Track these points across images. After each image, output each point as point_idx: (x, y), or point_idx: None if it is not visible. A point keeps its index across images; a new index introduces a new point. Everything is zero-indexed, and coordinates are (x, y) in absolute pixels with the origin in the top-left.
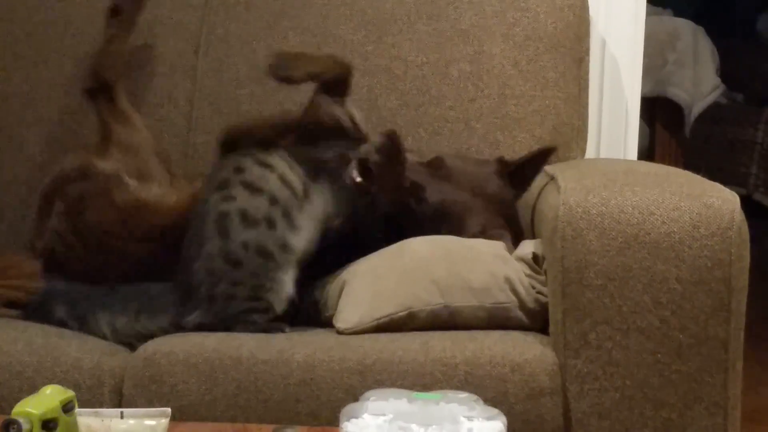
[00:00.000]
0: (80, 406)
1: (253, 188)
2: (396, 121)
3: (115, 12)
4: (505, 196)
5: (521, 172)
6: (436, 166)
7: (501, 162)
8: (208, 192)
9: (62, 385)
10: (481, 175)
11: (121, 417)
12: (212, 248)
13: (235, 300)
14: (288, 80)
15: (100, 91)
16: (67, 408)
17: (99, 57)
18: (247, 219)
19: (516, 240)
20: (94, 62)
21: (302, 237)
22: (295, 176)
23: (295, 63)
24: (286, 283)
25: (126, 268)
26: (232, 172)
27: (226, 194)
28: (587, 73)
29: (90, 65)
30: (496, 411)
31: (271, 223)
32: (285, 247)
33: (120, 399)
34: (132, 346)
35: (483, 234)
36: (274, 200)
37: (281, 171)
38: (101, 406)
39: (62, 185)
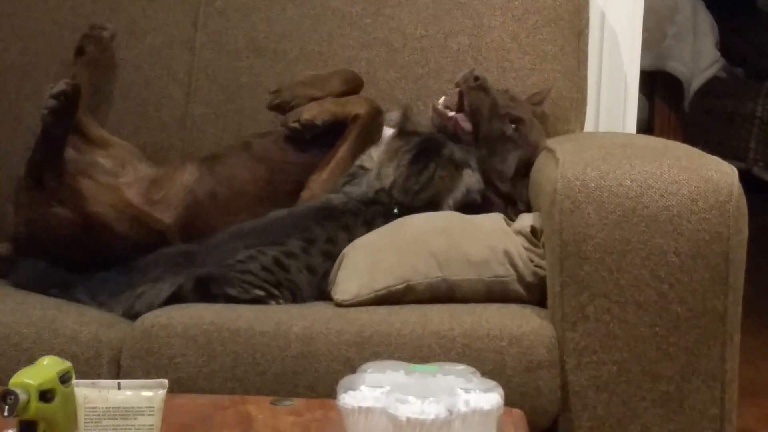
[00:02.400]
0: (78, 378)
1: (330, 256)
2: (395, 93)
3: (79, 52)
4: None
5: None
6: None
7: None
8: (290, 230)
9: (60, 356)
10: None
11: (119, 388)
12: (268, 251)
13: (251, 276)
14: (279, 108)
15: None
16: (64, 379)
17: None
18: (311, 269)
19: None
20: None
21: None
22: None
23: (290, 91)
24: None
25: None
26: (324, 239)
27: (306, 248)
28: (586, 46)
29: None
30: (493, 383)
31: (325, 275)
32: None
33: (118, 371)
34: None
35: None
36: None
37: None
38: (99, 378)
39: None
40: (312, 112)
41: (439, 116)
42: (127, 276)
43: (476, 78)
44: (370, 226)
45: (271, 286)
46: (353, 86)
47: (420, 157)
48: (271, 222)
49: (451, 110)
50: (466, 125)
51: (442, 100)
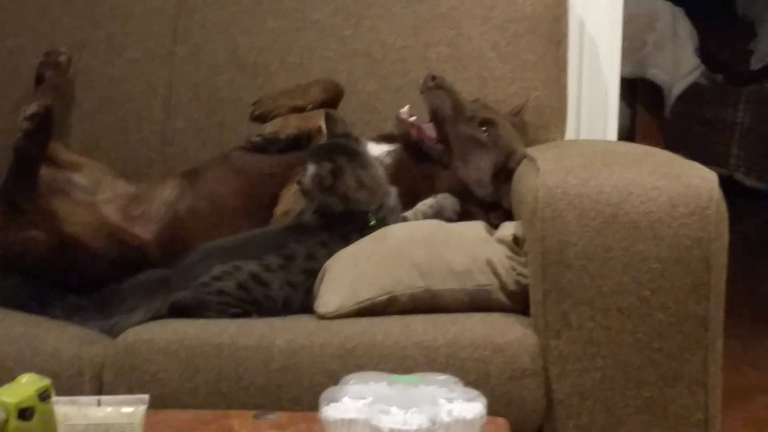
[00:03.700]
0: (60, 395)
1: (311, 274)
2: (375, 105)
3: (39, 79)
4: None
5: None
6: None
7: None
8: (268, 247)
9: (42, 374)
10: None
11: (99, 404)
12: (245, 266)
13: (227, 296)
14: (261, 118)
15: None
16: (43, 396)
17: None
18: (291, 284)
19: None
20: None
21: None
22: None
23: (272, 101)
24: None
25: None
26: (304, 256)
27: (285, 265)
28: (566, 54)
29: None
30: (475, 392)
31: (308, 291)
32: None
33: (100, 387)
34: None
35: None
36: None
37: None
38: (81, 395)
39: None
40: (275, 127)
41: (402, 124)
42: (102, 305)
43: (433, 77)
44: (347, 240)
45: (248, 304)
46: (334, 95)
47: (358, 159)
48: (247, 239)
49: (420, 120)
50: (432, 133)
51: (405, 108)
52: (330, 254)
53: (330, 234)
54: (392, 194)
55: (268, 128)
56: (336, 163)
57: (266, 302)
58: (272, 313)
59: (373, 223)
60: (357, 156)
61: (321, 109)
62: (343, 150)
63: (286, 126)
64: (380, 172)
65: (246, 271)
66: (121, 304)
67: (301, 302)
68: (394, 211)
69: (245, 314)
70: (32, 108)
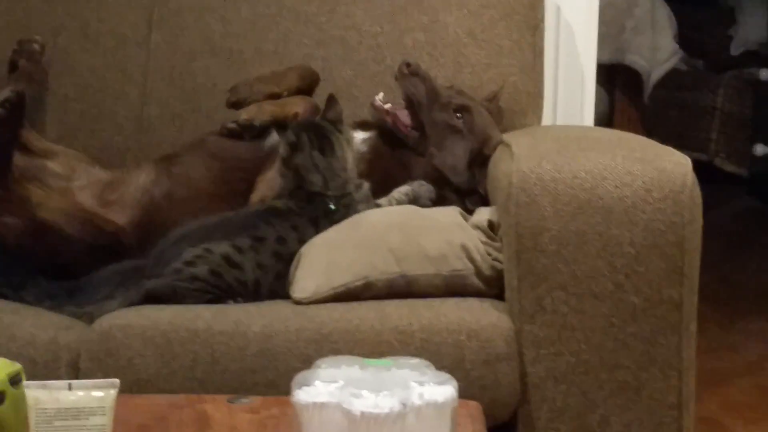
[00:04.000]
0: (36, 381)
1: (281, 257)
2: (351, 91)
3: (12, 68)
4: None
5: None
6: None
7: None
8: (238, 229)
9: (18, 360)
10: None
11: (69, 389)
12: (216, 248)
13: (200, 282)
14: (237, 105)
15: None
16: (14, 381)
17: None
18: (261, 267)
19: None
20: None
21: None
22: None
23: (248, 88)
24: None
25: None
26: (274, 239)
27: (255, 246)
28: (542, 40)
29: None
30: (447, 376)
31: (278, 276)
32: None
33: (77, 373)
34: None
35: None
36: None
37: None
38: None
39: None
40: (250, 113)
41: (376, 112)
42: (76, 293)
43: (408, 64)
44: (316, 225)
45: (221, 290)
46: (310, 82)
47: (322, 143)
48: (218, 221)
49: (395, 107)
50: (407, 120)
51: (380, 95)
52: (300, 238)
53: (300, 218)
54: (363, 187)
55: (243, 115)
56: (299, 139)
57: (238, 287)
58: (244, 297)
59: (333, 208)
60: (323, 140)
61: (297, 96)
62: (313, 131)
63: (261, 113)
64: (344, 165)
65: (218, 254)
66: (96, 292)
67: (270, 286)
68: (362, 202)
69: (218, 300)
70: (4, 94)
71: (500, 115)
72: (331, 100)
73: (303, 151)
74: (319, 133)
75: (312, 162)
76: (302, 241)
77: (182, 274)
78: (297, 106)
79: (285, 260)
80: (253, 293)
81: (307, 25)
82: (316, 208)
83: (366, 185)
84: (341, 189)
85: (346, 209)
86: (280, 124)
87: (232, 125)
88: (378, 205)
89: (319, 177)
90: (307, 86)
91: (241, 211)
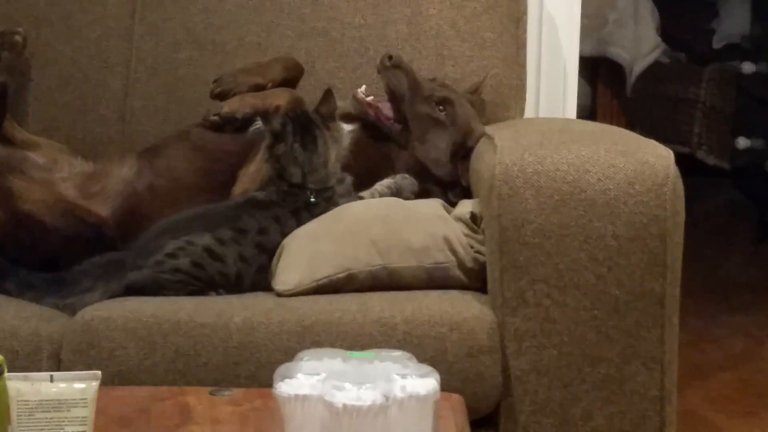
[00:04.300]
0: (18, 373)
1: (264, 249)
2: (334, 83)
3: None
4: None
5: None
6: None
7: None
8: (220, 221)
9: None
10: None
11: (51, 380)
12: (198, 239)
13: (182, 274)
14: (221, 96)
15: None
16: None
17: None
18: (243, 259)
19: None
20: None
21: None
22: None
23: (232, 79)
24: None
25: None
26: (256, 230)
27: (237, 238)
28: (525, 32)
29: None
30: (429, 368)
31: (261, 269)
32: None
33: (58, 365)
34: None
35: None
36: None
37: None
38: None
39: None
40: (232, 106)
41: (359, 104)
42: (57, 284)
43: (390, 57)
44: (297, 217)
45: (203, 283)
46: (294, 73)
47: (305, 137)
48: (200, 213)
49: (378, 99)
50: (389, 112)
51: (362, 88)
52: (282, 230)
53: (281, 209)
54: (345, 181)
55: (225, 108)
56: (283, 129)
57: (221, 279)
58: (226, 290)
59: (313, 201)
60: (306, 135)
61: (279, 88)
62: (299, 123)
63: (243, 105)
64: (326, 160)
65: (200, 246)
66: (77, 284)
67: (253, 279)
68: (344, 196)
69: (200, 292)
70: None
71: (483, 107)
72: (327, 94)
73: (285, 142)
74: (305, 126)
75: (292, 154)
76: (284, 233)
77: (164, 266)
78: (279, 99)
79: (267, 252)
80: (235, 286)
81: (290, 17)
82: (297, 200)
83: (348, 179)
84: (321, 183)
85: (327, 202)
86: (265, 115)
87: (214, 118)
88: (360, 198)
89: (297, 170)
90: (292, 78)
91: (222, 203)
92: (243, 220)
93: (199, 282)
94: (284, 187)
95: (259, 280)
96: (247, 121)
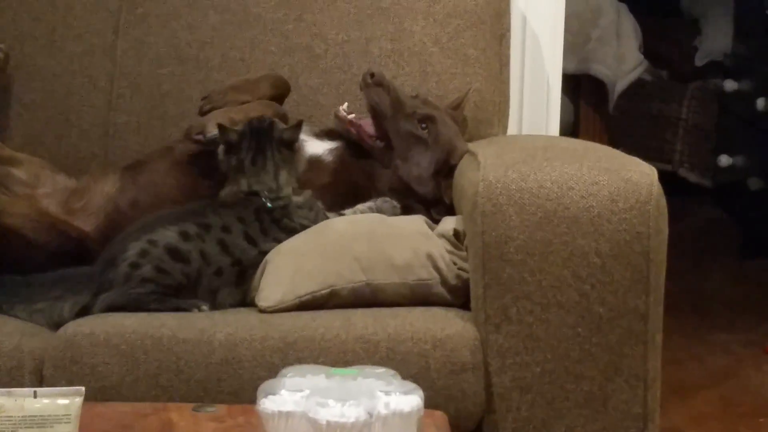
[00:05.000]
0: (1, 388)
1: (225, 249)
2: (318, 99)
3: None
4: None
5: None
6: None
7: None
8: (185, 216)
9: None
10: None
11: (35, 396)
12: (161, 238)
13: (151, 284)
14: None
15: None
16: None
17: None
18: (204, 256)
19: None
20: None
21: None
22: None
23: (221, 96)
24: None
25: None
26: (219, 228)
27: (201, 233)
28: (508, 49)
29: None
30: (413, 385)
31: (219, 272)
32: (217, 293)
33: (41, 380)
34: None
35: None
36: (237, 262)
37: (264, 249)
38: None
39: None
40: (217, 120)
41: (341, 122)
42: (24, 288)
43: (372, 74)
44: (260, 220)
45: (170, 289)
46: (282, 90)
47: (257, 155)
48: (165, 213)
49: (360, 116)
50: (371, 130)
51: (344, 105)
52: (245, 231)
53: (245, 210)
54: (305, 194)
55: (209, 124)
56: (239, 142)
57: (184, 280)
58: (187, 289)
59: (270, 206)
60: (258, 153)
61: (265, 102)
62: (255, 140)
63: (225, 121)
64: (276, 179)
65: (161, 247)
66: (48, 290)
67: (210, 281)
68: (303, 207)
69: (175, 295)
70: None
71: (465, 123)
72: (297, 125)
73: (237, 155)
74: (260, 144)
75: (241, 166)
76: (247, 234)
77: (132, 281)
78: (261, 113)
79: (228, 254)
80: (193, 285)
81: (273, 33)
82: (256, 203)
83: (308, 192)
84: (273, 193)
85: (284, 210)
86: (222, 127)
87: (198, 137)
88: (342, 215)
89: (245, 181)
90: (280, 95)
91: (189, 204)
92: (208, 217)
93: (169, 288)
94: (240, 193)
95: (217, 284)
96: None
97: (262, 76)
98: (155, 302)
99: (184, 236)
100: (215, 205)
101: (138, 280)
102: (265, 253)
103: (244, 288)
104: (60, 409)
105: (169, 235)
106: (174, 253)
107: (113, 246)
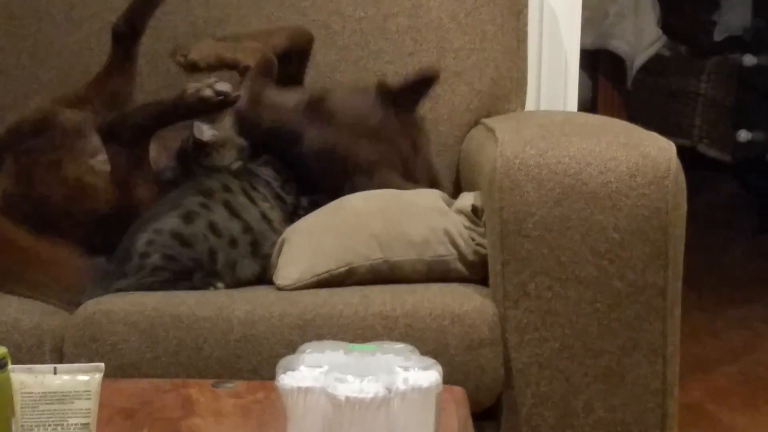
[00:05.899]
0: (22, 365)
1: (232, 211)
2: (335, 76)
3: None
4: (388, 126)
5: (405, 96)
6: (316, 107)
7: (382, 87)
8: (186, 190)
9: (2, 345)
10: (363, 108)
11: (55, 372)
12: (165, 225)
13: (163, 271)
14: (192, 67)
15: (126, 36)
16: (0, 364)
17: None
18: (215, 229)
19: (405, 168)
20: (131, 6)
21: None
22: (276, 213)
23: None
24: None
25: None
26: (220, 188)
27: (205, 202)
28: (526, 25)
29: (127, 8)
30: (432, 361)
31: (233, 243)
32: (235, 266)
33: (61, 358)
34: None
35: (370, 175)
36: (248, 228)
37: (263, 209)
38: None
39: (16, 139)
40: (200, 53)
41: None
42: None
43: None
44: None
45: (180, 274)
46: (300, 43)
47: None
48: (166, 198)
49: None
50: None
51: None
52: (243, 189)
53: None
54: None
55: (192, 54)
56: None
57: (193, 265)
58: (203, 273)
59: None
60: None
61: (256, 45)
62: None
63: (210, 54)
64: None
65: (167, 233)
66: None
67: (227, 256)
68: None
69: (188, 278)
70: None
71: (482, 98)
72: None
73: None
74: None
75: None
76: (244, 191)
77: (144, 270)
78: (250, 58)
79: (236, 215)
80: (209, 263)
81: (290, 10)
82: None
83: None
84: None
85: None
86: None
87: (180, 59)
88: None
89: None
90: (297, 48)
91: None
92: (205, 182)
93: (182, 273)
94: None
95: (234, 257)
96: (212, 70)
97: (281, 28)
98: (168, 288)
99: (188, 218)
100: (210, 172)
101: (149, 270)
102: (263, 214)
103: (261, 260)
104: (80, 385)
105: (172, 221)
106: (180, 237)
107: (126, 239)
